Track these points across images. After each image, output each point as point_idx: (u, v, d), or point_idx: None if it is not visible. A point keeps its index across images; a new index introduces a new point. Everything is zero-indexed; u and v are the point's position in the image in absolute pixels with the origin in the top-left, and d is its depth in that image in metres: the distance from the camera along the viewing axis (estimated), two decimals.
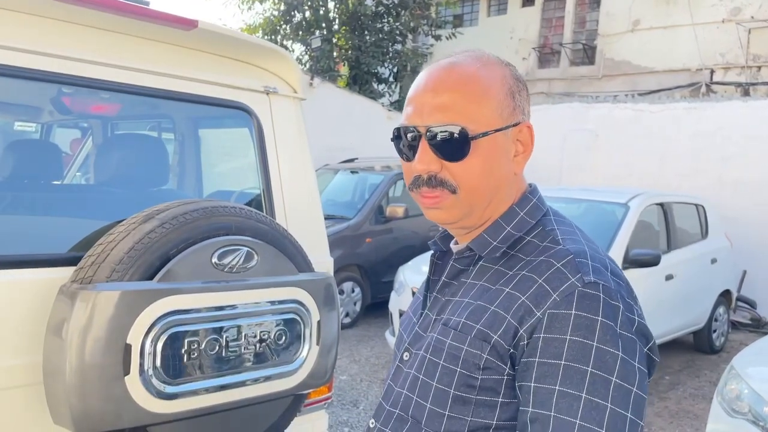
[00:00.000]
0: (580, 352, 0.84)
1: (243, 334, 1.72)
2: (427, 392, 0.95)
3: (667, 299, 5.75)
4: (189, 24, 1.88)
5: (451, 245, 1.08)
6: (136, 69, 1.87)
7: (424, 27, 15.45)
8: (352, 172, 8.39)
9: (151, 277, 1.59)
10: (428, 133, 0.94)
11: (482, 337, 0.91)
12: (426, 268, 4.42)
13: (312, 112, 8.97)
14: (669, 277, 5.75)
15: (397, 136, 1.00)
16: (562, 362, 0.84)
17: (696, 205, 6.73)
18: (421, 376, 0.97)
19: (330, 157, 9.20)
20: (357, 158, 9.25)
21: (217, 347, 1.67)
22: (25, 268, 1.61)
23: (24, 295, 1.59)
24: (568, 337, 0.85)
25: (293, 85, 2.29)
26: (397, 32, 15.15)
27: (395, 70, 15.76)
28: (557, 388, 0.83)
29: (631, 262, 5.24)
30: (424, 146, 0.95)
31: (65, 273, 1.63)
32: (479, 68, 0.97)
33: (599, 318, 0.85)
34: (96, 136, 3.08)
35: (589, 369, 0.83)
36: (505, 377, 0.90)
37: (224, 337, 1.68)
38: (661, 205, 6.16)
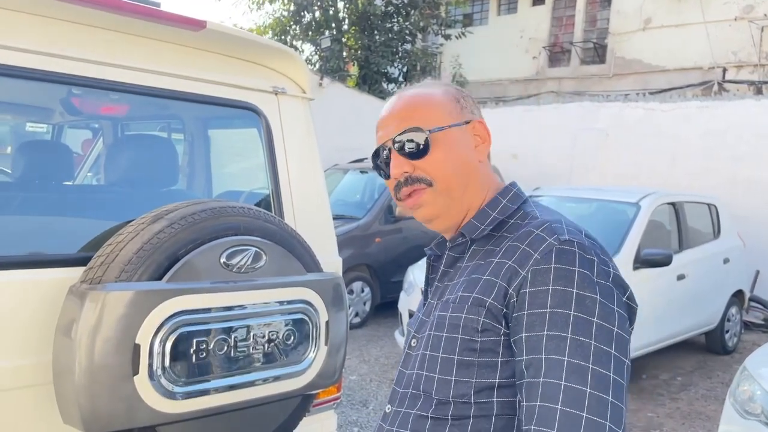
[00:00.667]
0: (562, 298, 0.94)
1: (252, 334, 1.72)
2: (434, 364, 1.04)
3: (679, 299, 5.71)
4: (197, 25, 1.88)
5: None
6: (146, 70, 1.87)
7: (434, 26, 15.43)
8: (362, 172, 8.39)
9: (159, 278, 1.59)
10: (395, 144, 1.11)
11: (478, 303, 1.01)
12: None
13: (321, 112, 8.98)
14: (681, 277, 5.71)
15: (375, 159, 1.15)
16: (548, 310, 0.94)
17: (708, 204, 6.67)
18: (428, 353, 1.06)
19: (339, 157, 9.21)
20: (366, 158, 9.25)
21: (226, 347, 1.67)
22: (35, 268, 1.62)
23: (34, 295, 1.60)
24: (550, 287, 0.95)
25: (302, 85, 2.29)
26: (407, 32, 15.13)
27: (405, 69, 15.75)
28: (545, 333, 0.93)
29: (642, 261, 5.20)
30: (394, 156, 1.11)
31: (75, 273, 1.63)
32: (423, 89, 1.17)
33: (576, 268, 0.96)
34: (106, 137, 3.10)
35: (572, 312, 0.93)
36: (502, 338, 0.99)
37: (233, 337, 1.68)
38: (673, 204, 6.11)
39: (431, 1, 14.98)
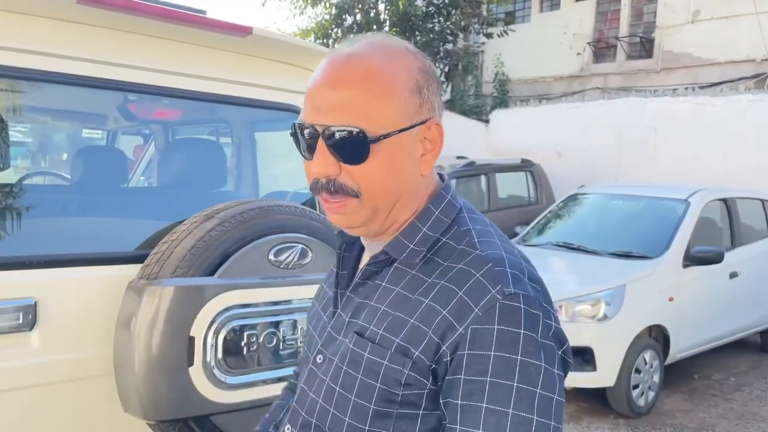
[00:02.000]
0: (505, 367, 0.82)
1: (299, 328, 1.78)
2: (345, 406, 0.92)
3: (732, 298, 5.55)
4: (244, 31, 1.95)
5: (363, 241, 1.03)
6: (195, 75, 1.95)
7: (475, 25, 15.35)
8: None
9: (211, 273, 1.67)
10: (325, 133, 0.88)
11: (403, 352, 0.87)
12: None
13: None
14: (733, 275, 5.55)
15: (296, 132, 0.92)
16: (488, 379, 0.82)
17: (761, 200, 6.46)
18: (337, 389, 0.93)
19: None
20: None
21: (275, 340, 1.73)
22: (97, 265, 1.71)
23: (97, 291, 1.69)
24: (492, 353, 0.82)
25: None
26: (448, 32, 15.10)
27: (446, 69, 15.72)
28: (484, 405, 0.81)
29: (692, 259, 5.09)
30: (321, 147, 0.88)
31: (132, 270, 1.72)
32: (382, 61, 0.89)
33: (522, 331, 0.83)
34: (158, 141, 3.22)
35: (515, 384, 0.81)
36: (427, 391, 0.87)
37: (281, 330, 1.75)
38: (724, 200, 5.95)
39: (472, 0, 14.91)
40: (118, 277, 1.70)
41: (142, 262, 1.72)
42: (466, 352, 0.83)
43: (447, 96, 15.94)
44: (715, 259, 5.09)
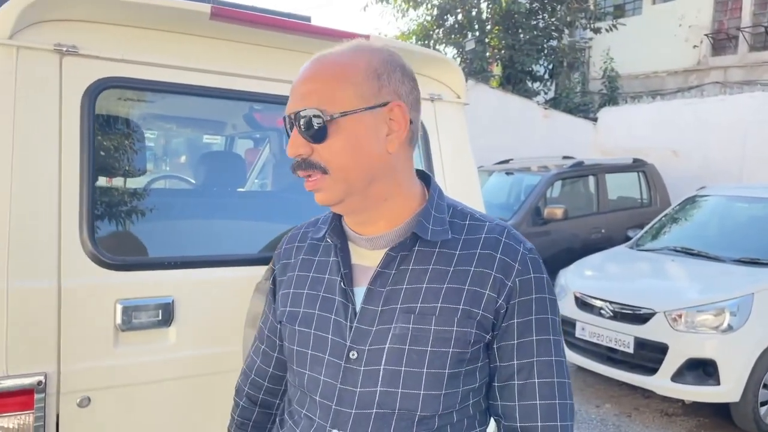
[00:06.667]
0: (542, 305, 1.05)
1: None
2: (417, 380, 1.00)
3: None
4: (362, 39, 1.99)
5: (354, 238, 1.10)
6: None
7: (582, 20, 14.83)
8: (507, 174, 8.27)
9: None
10: (295, 119, 1.00)
11: (468, 315, 1.01)
12: (589, 272, 4.27)
13: (466, 113, 8.95)
14: None
15: (284, 124, 1.06)
16: (533, 317, 1.04)
17: None
18: (402, 368, 1.00)
19: (484, 158, 9.16)
20: (512, 159, 9.12)
21: None
22: (227, 266, 1.81)
23: (226, 291, 1.78)
24: (534, 296, 1.04)
25: (457, 91, 2.33)
26: (553, 28, 14.70)
27: (550, 66, 15.31)
28: (534, 338, 1.04)
29: None
30: (294, 132, 1.01)
31: (258, 271, 1.80)
32: (342, 55, 1.02)
33: (544, 275, 1.06)
34: (273, 146, 3.36)
35: (549, 316, 1.05)
36: (486, 343, 1.04)
37: None
38: None
39: None
40: (245, 278, 1.78)
41: (266, 264, 1.79)
42: (517, 300, 1.03)
43: (551, 94, 15.51)
44: None
